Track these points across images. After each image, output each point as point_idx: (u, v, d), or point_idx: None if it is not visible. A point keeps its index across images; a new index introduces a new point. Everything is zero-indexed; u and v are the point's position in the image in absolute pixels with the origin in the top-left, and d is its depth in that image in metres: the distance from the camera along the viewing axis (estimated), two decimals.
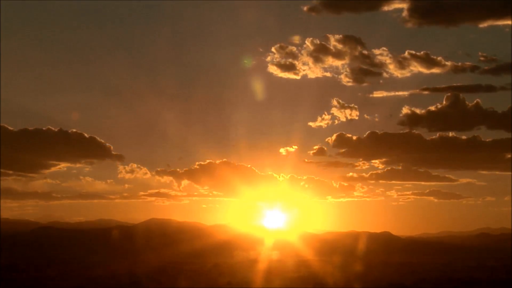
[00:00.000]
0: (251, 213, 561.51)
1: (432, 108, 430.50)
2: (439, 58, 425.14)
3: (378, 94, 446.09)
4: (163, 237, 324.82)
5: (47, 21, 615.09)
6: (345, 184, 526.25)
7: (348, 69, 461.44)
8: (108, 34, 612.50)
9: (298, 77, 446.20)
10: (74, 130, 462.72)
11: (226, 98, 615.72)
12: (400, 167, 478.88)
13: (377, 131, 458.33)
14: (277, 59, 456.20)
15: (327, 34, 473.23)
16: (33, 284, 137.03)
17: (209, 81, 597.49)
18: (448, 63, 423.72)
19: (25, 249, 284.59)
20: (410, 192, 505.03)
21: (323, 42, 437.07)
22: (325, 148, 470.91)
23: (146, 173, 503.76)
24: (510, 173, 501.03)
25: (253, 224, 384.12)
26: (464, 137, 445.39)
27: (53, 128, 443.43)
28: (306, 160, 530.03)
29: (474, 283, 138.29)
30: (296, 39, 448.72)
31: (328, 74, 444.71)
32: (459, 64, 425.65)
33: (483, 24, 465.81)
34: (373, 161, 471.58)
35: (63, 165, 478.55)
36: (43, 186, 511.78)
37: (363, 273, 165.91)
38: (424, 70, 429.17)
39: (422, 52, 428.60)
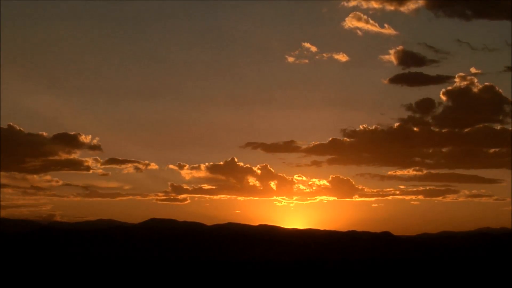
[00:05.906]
0: (251, 213, 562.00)
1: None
2: None
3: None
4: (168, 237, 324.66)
5: (46, 21, 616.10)
6: (352, 183, 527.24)
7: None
8: (108, 33, 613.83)
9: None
10: (74, 129, 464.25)
11: (232, 95, 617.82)
12: (399, 166, 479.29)
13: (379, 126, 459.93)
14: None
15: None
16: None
17: (213, 80, 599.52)
18: None
19: (25, 249, 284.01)
20: (410, 191, 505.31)
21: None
22: (336, 143, 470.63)
23: (147, 172, 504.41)
24: (510, 171, 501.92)
25: (254, 223, 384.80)
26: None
27: (52, 128, 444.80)
28: (311, 157, 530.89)
29: (474, 283, 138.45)
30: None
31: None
32: None
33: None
34: (371, 158, 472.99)
35: (62, 163, 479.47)
36: (42, 186, 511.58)
37: (363, 273, 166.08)
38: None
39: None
